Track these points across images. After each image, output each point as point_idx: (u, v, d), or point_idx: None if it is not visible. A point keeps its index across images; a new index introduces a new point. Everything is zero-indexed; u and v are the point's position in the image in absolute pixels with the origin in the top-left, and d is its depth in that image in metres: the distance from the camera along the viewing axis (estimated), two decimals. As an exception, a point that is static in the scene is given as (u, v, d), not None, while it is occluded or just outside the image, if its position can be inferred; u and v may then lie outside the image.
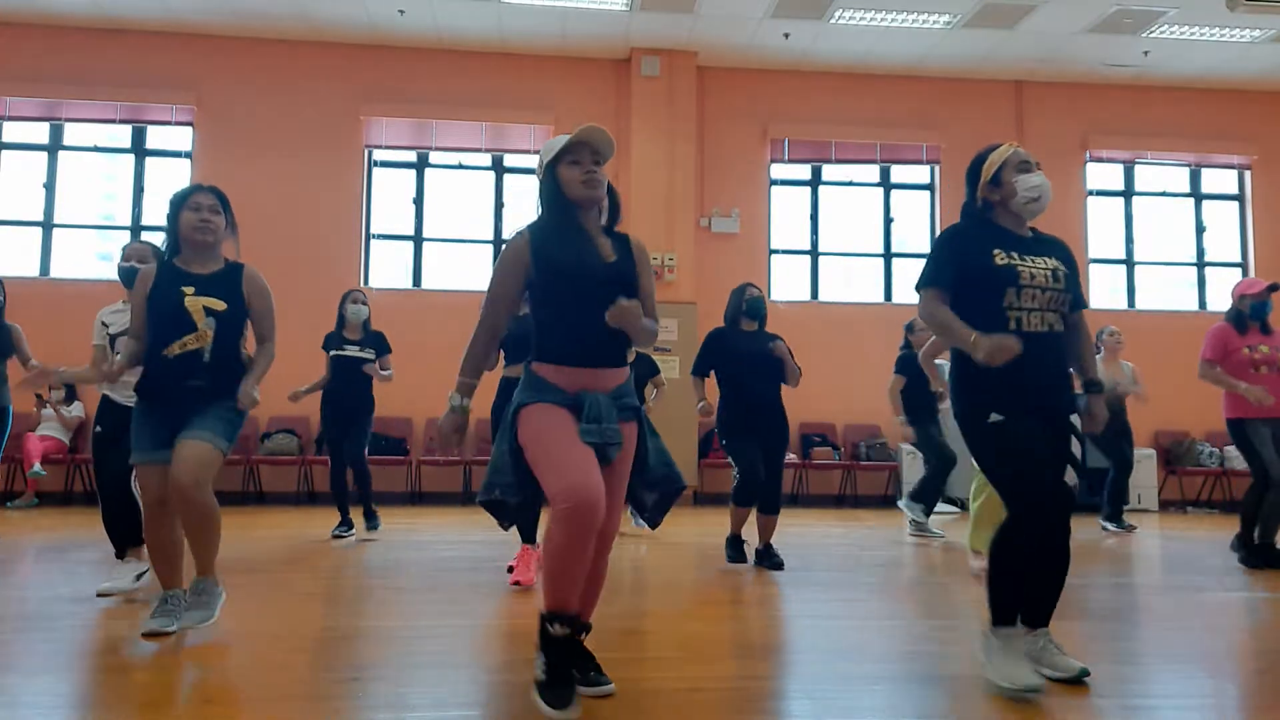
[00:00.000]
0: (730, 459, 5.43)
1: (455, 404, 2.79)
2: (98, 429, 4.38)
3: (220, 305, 3.46)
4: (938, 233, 10.94)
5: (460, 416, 2.77)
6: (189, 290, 3.45)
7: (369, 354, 6.60)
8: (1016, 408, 2.92)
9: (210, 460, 3.36)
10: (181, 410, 3.43)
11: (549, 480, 2.55)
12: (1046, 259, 3.04)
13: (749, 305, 5.48)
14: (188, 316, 3.41)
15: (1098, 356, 7.89)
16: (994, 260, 2.97)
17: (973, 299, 2.99)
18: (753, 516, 5.43)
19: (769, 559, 5.32)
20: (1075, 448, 3.05)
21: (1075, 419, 3.06)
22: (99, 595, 4.21)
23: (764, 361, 5.37)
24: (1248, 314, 5.67)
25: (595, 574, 2.77)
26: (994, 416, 2.92)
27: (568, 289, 2.72)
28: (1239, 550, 5.72)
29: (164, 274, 3.51)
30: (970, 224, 3.14)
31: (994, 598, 2.96)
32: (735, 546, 5.49)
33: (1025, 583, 2.96)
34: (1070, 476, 3.02)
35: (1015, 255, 2.99)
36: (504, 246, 2.83)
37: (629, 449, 2.79)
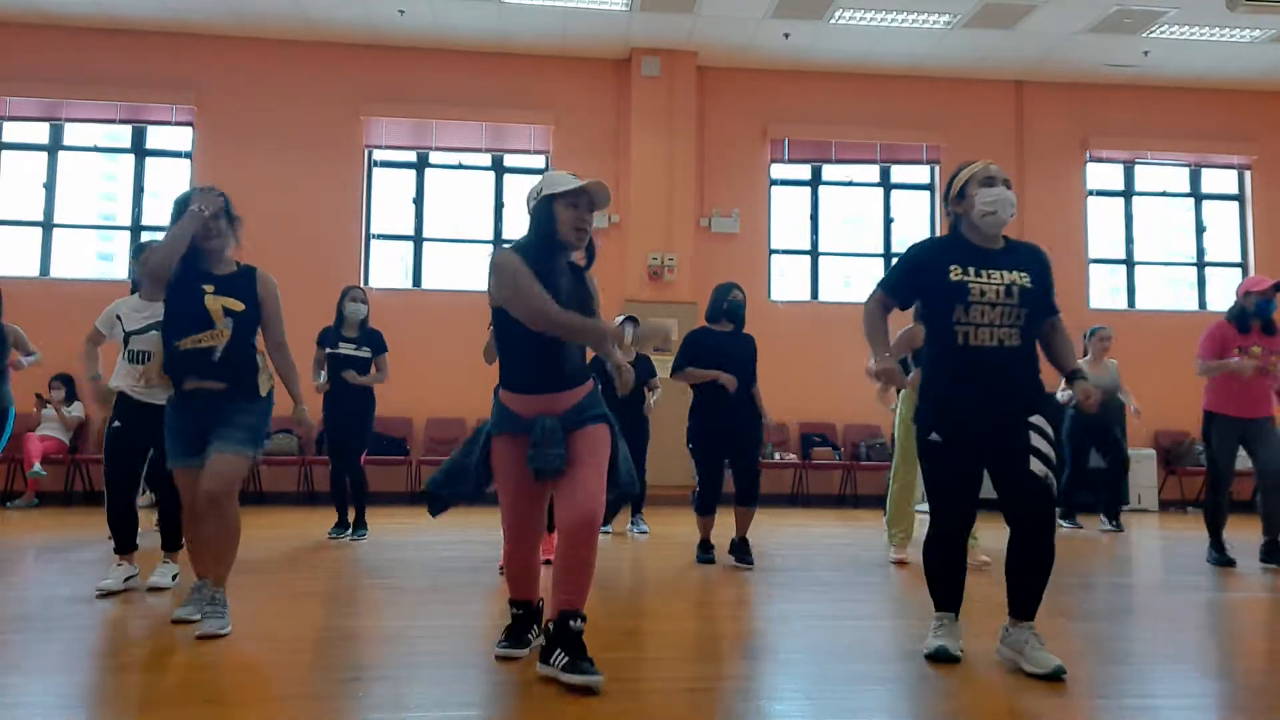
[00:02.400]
0: (693, 465, 5.57)
1: (619, 322, 3.02)
2: (115, 424, 4.33)
3: (239, 306, 3.56)
4: (937, 232, 11.00)
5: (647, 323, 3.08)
6: (209, 289, 3.53)
7: (365, 353, 6.60)
8: (957, 423, 3.12)
9: (239, 469, 3.54)
10: (206, 413, 3.52)
11: (503, 519, 3.15)
12: (1006, 273, 3.13)
13: (729, 307, 5.54)
14: (207, 315, 3.49)
15: (1085, 359, 7.94)
16: (949, 276, 3.11)
17: (931, 311, 3.21)
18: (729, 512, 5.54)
19: (740, 553, 5.40)
20: (1042, 443, 3.09)
21: (1039, 419, 3.12)
22: (97, 594, 4.22)
23: (735, 362, 5.45)
24: (1251, 312, 5.67)
25: (578, 563, 2.89)
26: (933, 436, 3.18)
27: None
28: (1212, 556, 5.72)
29: (184, 271, 3.54)
30: (941, 239, 3.31)
31: (930, 591, 3.35)
32: (704, 549, 5.60)
33: (950, 576, 3.28)
34: (1038, 467, 3.05)
35: (971, 271, 3.11)
36: (503, 262, 2.92)
37: (599, 443, 2.97)
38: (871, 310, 3.33)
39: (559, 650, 2.85)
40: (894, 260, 10.61)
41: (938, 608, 3.31)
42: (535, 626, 3.23)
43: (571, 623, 2.87)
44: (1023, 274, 3.15)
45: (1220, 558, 5.67)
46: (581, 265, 3.10)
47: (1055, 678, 2.95)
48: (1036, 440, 3.09)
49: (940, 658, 3.15)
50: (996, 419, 3.12)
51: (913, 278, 3.24)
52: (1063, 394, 7.73)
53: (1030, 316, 3.15)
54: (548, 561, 4.82)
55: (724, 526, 5.62)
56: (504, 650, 3.16)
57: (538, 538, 3.17)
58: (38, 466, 8.46)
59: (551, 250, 2.95)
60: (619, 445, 3.06)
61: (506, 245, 3.07)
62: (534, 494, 3.09)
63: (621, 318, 7.07)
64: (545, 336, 2.90)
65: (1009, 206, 3.16)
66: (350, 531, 6.59)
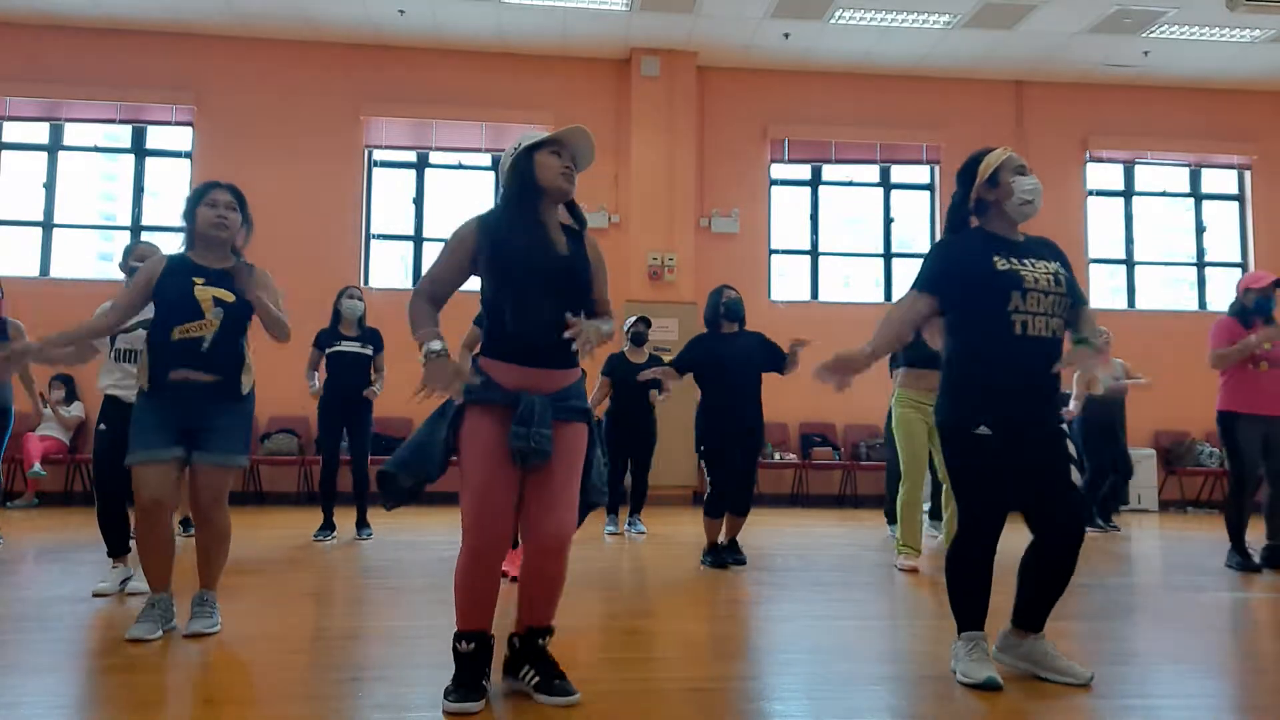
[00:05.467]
0: (705, 468, 5.50)
1: (435, 349, 2.61)
2: (101, 427, 4.34)
3: (229, 297, 3.50)
4: (938, 233, 11.00)
5: (445, 359, 2.62)
6: (199, 280, 3.48)
7: (366, 350, 6.62)
8: (1007, 418, 2.95)
9: (228, 480, 3.53)
10: (185, 408, 3.43)
11: (465, 508, 2.63)
12: (1046, 262, 3.05)
13: (727, 307, 5.48)
14: (196, 304, 3.44)
15: None
16: (994, 265, 2.98)
17: (977, 306, 3.01)
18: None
19: (732, 554, 5.43)
20: (1074, 450, 3.03)
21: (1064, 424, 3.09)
22: (94, 595, 4.22)
23: (746, 364, 5.41)
24: (1251, 308, 5.61)
25: (550, 578, 2.70)
26: (982, 429, 2.95)
27: (515, 277, 2.66)
28: (1234, 560, 5.57)
29: (176, 265, 3.54)
30: (965, 233, 3.15)
31: (954, 607, 3.05)
32: (715, 553, 5.47)
33: (982, 591, 3.00)
34: (1076, 477, 2.98)
35: (1014, 260, 3.00)
36: (458, 229, 2.79)
37: (576, 449, 2.72)
38: (902, 306, 3.10)
39: (528, 668, 2.72)
40: (893, 261, 10.72)
41: (966, 627, 3.01)
42: (488, 668, 2.71)
43: (540, 640, 2.73)
44: (1055, 264, 3.07)
45: (1244, 562, 5.52)
46: (573, 227, 2.83)
47: (1087, 685, 2.90)
48: (1071, 447, 3.01)
49: (991, 687, 2.85)
50: (1043, 416, 3.02)
51: (952, 267, 3.05)
52: (1073, 404, 7.70)
53: (1071, 307, 3.08)
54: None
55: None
56: (456, 705, 2.55)
57: (506, 536, 2.63)
58: (38, 466, 8.45)
59: (532, 202, 2.72)
60: (596, 449, 2.80)
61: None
62: (509, 479, 2.63)
63: (631, 319, 7.07)
64: (544, 303, 2.64)
65: (1041, 198, 3.10)
66: (355, 532, 6.59)
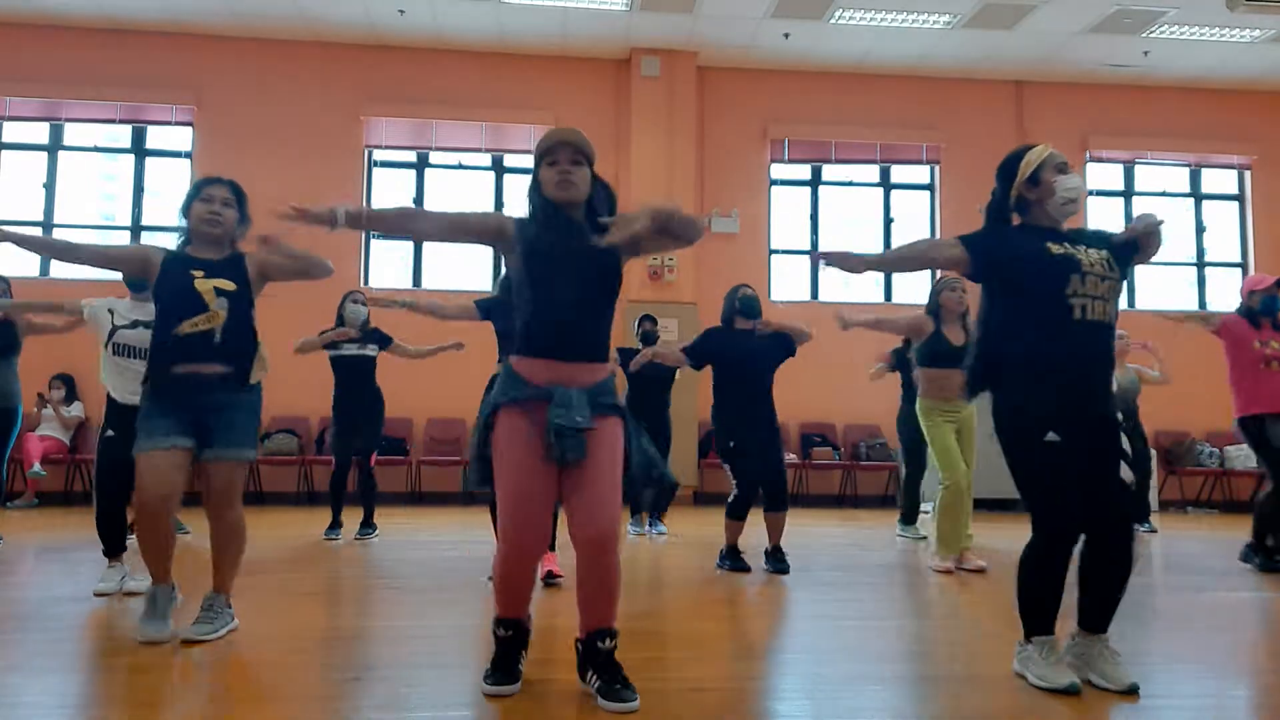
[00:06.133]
0: (728, 471, 5.44)
1: (342, 209, 2.84)
2: (109, 433, 4.31)
3: (230, 285, 3.44)
4: (938, 233, 10.94)
5: (330, 217, 2.86)
6: (199, 273, 3.43)
7: (371, 351, 6.61)
8: (1064, 410, 2.86)
9: (241, 475, 3.50)
10: (195, 400, 3.37)
11: (500, 514, 2.71)
12: (1096, 249, 3.01)
13: (742, 303, 5.49)
14: (199, 297, 3.39)
15: None
16: (1049, 250, 2.92)
17: (1034, 289, 2.93)
18: (759, 517, 5.43)
19: (776, 561, 5.28)
20: (1126, 443, 2.98)
21: (1119, 415, 3.00)
22: (95, 595, 4.21)
23: (759, 359, 5.40)
24: (1258, 310, 5.63)
25: (601, 576, 2.69)
26: (1051, 436, 2.84)
27: (543, 273, 2.71)
28: (1252, 558, 5.53)
29: (173, 261, 3.49)
30: (1013, 225, 3.09)
31: (1024, 612, 2.93)
32: (735, 556, 5.37)
33: (1057, 595, 2.90)
34: (1126, 473, 2.91)
35: (1069, 245, 2.96)
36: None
37: (612, 443, 2.73)
38: (933, 241, 3.10)
39: (591, 672, 2.72)
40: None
41: (1036, 631, 2.90)
42: (524, 651, 2.83)
43: (600, 643, 2.69)
44: (1105, 251, 3.04)
45: (1266, 563, 5.43)
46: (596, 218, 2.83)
47: (1130, 693, 2.80)
48: (1125, 442, 2.95)
49: (1074, 691, 2.76)
50: (1096, 404, 2.92)
51: (1003, 245, 2.96)
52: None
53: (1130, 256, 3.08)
54: (549, 578, 4.68)
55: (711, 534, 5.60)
56: (493, 689, 2.72)
57: (542, 538, 2.70)
58: (38, 466, 8.46)
59: (546, 212, 2.77)
60: (634, 440, 2.77)
61: None
62: (546, 480, 2.68)
63: (638, 319, 7.06)
64: (572, 295, 2.70)
65: (1082, 195, 3.07)
66: (358, 530, 6.58)
